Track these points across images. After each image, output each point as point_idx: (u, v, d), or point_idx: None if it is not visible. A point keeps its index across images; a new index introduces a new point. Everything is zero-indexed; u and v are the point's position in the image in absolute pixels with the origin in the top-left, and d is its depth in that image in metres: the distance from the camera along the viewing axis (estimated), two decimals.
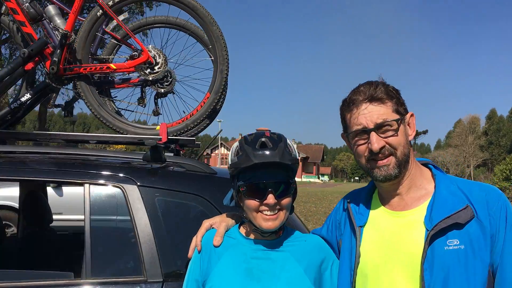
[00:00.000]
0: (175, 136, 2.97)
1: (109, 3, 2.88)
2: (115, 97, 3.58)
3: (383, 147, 1.66)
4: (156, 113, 3.54)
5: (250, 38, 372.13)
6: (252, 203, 1.72)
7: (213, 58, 3.02)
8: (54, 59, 2.80)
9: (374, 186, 1.89)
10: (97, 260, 2.32)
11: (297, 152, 1.82)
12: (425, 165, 1.83)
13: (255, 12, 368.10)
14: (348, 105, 1.73)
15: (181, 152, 3.47)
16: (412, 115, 1.76)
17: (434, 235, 1.57)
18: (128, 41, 3.20)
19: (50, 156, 2.63)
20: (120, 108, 3.59)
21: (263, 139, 1.73)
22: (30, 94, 3.31)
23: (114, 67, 2.86)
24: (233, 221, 1.93)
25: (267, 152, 1.68)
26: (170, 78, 3.30)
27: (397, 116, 1.67)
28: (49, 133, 3.09)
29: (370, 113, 1.66)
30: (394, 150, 1.67)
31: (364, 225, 1.79)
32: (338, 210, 1.99)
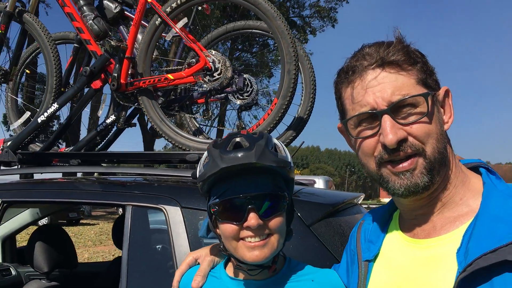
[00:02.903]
0: None
1: (167, 9, 2.67)
2: (196, 113, 3.37)
3: (404, 140, 1.04)
4: (240, 127, 3.21)
5: None
6: (228, 228, 1.22)
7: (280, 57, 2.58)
8: (114, 74, 2.68)
9: None
10: None
11: (288, 155, 1.28)
12: (475, 168, 1.15)
13: None
14: (346, 76, 1.13)
15: None
16: (447, 91, 1.11)
17: (466, 280, 0.92)
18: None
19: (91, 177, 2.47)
20: (201, 125, 3.36)
21: (237, 139, 1.26)
22: (114, 116, 3.29)
23: (172, 78, 2.61)
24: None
25: (240, 154, 1.18)
26: (250, 87, 2.95)
27: (424, 90, 1.06)
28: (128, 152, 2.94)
29: (381, 86, 1.05)
30: (422, 145, 1.04)
31: (375, 258, 1.19)
32: (353, 236, 1.37)
